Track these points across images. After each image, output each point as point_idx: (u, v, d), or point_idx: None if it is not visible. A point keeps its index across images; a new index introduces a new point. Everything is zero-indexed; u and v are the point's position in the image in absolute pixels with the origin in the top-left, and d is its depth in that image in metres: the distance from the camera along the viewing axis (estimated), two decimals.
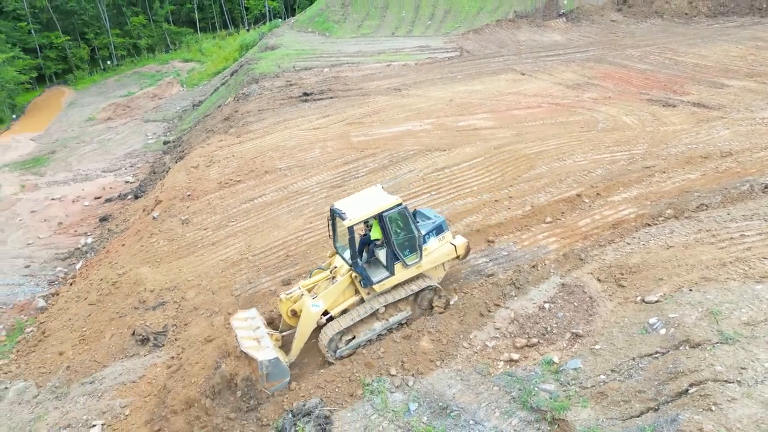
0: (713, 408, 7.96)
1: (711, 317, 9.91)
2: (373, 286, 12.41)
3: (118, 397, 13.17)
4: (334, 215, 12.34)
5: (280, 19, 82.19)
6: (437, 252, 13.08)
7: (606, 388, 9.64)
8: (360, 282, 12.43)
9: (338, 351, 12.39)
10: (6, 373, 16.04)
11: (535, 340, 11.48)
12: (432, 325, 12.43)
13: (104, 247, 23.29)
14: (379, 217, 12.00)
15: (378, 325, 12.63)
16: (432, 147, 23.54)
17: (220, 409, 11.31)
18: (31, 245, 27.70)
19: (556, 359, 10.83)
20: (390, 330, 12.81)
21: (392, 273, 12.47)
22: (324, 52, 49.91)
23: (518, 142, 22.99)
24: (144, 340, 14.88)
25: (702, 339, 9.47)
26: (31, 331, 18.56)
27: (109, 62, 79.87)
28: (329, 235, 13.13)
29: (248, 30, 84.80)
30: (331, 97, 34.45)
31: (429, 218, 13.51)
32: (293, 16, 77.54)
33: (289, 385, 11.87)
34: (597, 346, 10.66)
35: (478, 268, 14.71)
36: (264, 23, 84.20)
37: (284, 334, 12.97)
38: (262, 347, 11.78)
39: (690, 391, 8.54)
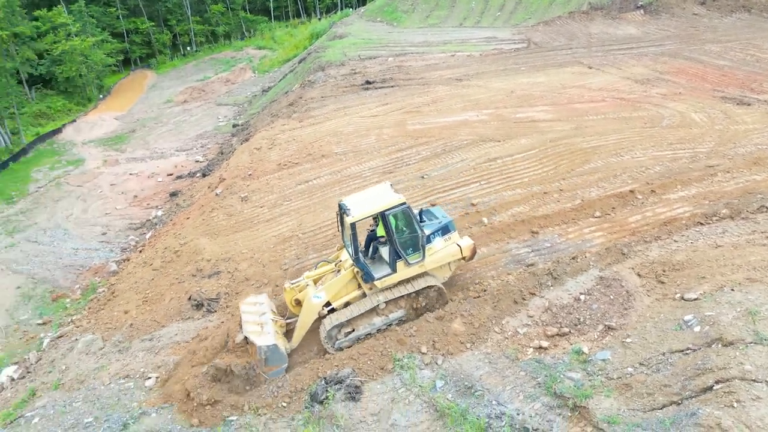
0: (735, 405, 7.84)
1: (748, 317, 9.63)
2: (375, 282, 12.65)
3: (172, 354, 14.32)
4: (342, 211, 12.59)
5: (350, 9, 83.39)
6: (442, 252, 13.05)
7: (632, 380, 9.61)
8: (362, 277, 12.73)
9: (337, 342, 12.75)
10: (78, 327, 17.74)
11: (566, 330, 11.52)
12: (465, 309, 12.70)
13: (171, 220, 24.96)
14: (381, 216, 12.22)
15: (378, 320, 12.87)
16: (487, 137, 23.52)
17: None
18: (109, 215, 30.03)
19: (585, 349, 10.85)
20: (389, 326, 13.01)
21: (394, 270, 12.65)
22: (390, 42, 50.36)
23: (576, 136, 22.57)
24: (198, 305, 16.01)
25: (736, 338, 9.25)
26: (102, 291, 20.32)
27: (188, 48, 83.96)
28: (338, 229, 13.56)
29: (320, 19, 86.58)
30: (392, 86, 34.90)
31: (436, 218, 13.52)
32: (364, 5, 78.39)
33: (287, 372, 12.34)
34: (628, 339, 10.59)
35: (519, 257, 14.78)
36: (335, 12, 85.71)
37: (289, 321, 13.55)
38: (264, 333, 12.34)
39: (715, 388, 8.42)
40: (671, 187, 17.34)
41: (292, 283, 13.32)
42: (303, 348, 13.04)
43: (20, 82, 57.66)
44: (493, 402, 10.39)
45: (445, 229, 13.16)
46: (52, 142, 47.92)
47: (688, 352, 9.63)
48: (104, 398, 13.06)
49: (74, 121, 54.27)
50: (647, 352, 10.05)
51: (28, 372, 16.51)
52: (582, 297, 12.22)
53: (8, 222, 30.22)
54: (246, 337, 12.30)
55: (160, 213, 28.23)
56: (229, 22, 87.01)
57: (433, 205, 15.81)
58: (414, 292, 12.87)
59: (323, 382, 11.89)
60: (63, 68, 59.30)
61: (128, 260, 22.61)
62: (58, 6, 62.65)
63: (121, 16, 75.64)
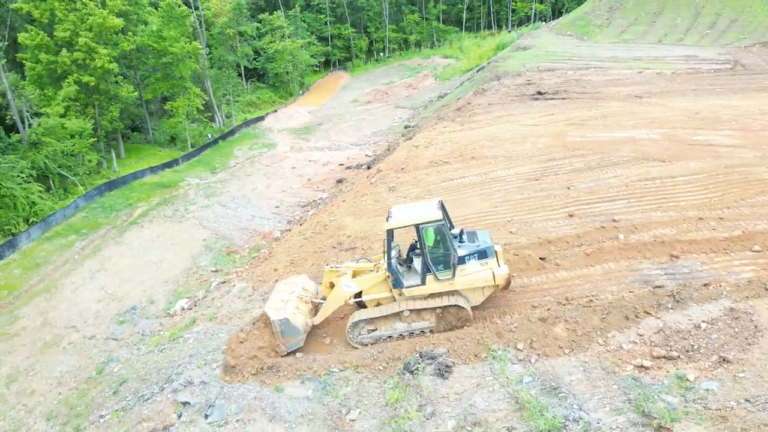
0: None
1: None
2: (403, 290, 13.06)
3: None
4: (388, 216, 13.15)
5: (542, 22, 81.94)
6: (475, 275, 13.02)
7: (730, 414, 8.76)
8: (392, 282, 13.14)
9: (359, 337, 13.43)
10: (238, 276, 20.85)
11: (675, 354, 10.72)
12: (571, 315, 12.44)
13: (331, 202, 27.65)
14: (416, 228, 12.65)
15: (400, 326, 13.33)
16: (651, 156, 21.99)
17: None
18: (285, 192, 34.16)
19: (690, 377, 10.04)
20: (411, 334, 13.36)
21: (423, 282, 13.01)
22: (574, 55, 48.74)
23: (759, 165, 20.03)
24: None
25: None
26: (264, 252, 23.46)
27: (381, 53, 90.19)
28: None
29: (509, 31, 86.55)
30: (563, 98, 34.02)
31: (476, 242, 13.46)
32: (560, 17, 76.54)
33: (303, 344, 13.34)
34: (741, 374, 9.57)
35: (649, 277, 13.89)
36: (527, 25, 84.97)
37: (318, 301, 14.51)
38: (282, 309, 13.40)
39: None
40: None
41: (333, 267, 14.33)
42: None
43: (240, 75, 67.75)
44: (575, 406, 10.20)
45: (482, 254, 13.08)
46: (255, 127, 55.44)
47: None
48: None
49: (275, 111, 62.05)
50: (758, 390, 9.03)
51: (195, 305, 19.96)
52: (703, 325, 11.20)
53: (208, 188, 36.03)
54: (265, 313, 13.70)
55: (324, 195, 31.35)
56: (422, 31, 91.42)
57: (481, 230, 15.13)
58: (439, 307, 13.14)
59: (418, 355, 12.67)
60: (274, 65, 68.12)
61: (289, 230, 25.68)
62: (278, 11, 71.82)
63: (328, 23, 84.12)
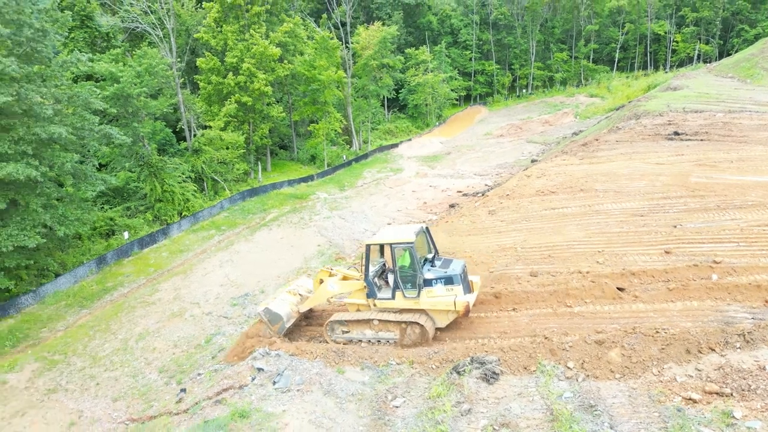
0: None
1: None
2: (375, 301, 14.88)
3: None
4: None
5: (704, 63, 76.08)
6: (439, 298, 14.36)
7: None
8: (366, 292, 15.01)
9: (334, 335, 15.56)
10: None
11: (728, 391, 10.07)
12: (629, 342, 12.13)
13: (435, 223, 28.71)
14: (390, 247, 14.54)
15: (369, 333, 15.12)
16: None
17: None
18: (399, 212, 35.91)
19: (737, 414, 9.44)
20: (378, 341, 15.04)
21: (393, 297, 14.81)
22: (729, 98, 44.85)
23: None
24: None
25: None
26: None
27: (524, 90, 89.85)
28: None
29: (666, 71, 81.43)
30: (701, 140, 31.73)
31: (446, 268, 14.67)
32: (722, 59, 70.59)
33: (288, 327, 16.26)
34: None
35: (732, 320, 12.94)
36: (688, 66, 79.38)
37: (306, 294, 17.21)
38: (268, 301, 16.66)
39: None
40: None
41: (327, 268, 16.66)
42: (469, 331, 14.55)
43: (383, 104, 72.08)
44: (606, 424, 10.10)
45: (448, 280, 14.32)
46: (387, 153, 58.57)
47: None
48: None
49: (409, 140, 64.90)
50: None
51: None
52: None
53: (333, 202, 39.07)
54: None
55: (434, 218, 32.45)
56: (568, 69, 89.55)
57: (459, 258, 16.59)
58: (402, 322, 14.59)
59: (470, 359, 13.19)
60: (414, 97, 71.43)
61: None
62: (423, 46, 75.46)
63: (473, 59, 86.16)
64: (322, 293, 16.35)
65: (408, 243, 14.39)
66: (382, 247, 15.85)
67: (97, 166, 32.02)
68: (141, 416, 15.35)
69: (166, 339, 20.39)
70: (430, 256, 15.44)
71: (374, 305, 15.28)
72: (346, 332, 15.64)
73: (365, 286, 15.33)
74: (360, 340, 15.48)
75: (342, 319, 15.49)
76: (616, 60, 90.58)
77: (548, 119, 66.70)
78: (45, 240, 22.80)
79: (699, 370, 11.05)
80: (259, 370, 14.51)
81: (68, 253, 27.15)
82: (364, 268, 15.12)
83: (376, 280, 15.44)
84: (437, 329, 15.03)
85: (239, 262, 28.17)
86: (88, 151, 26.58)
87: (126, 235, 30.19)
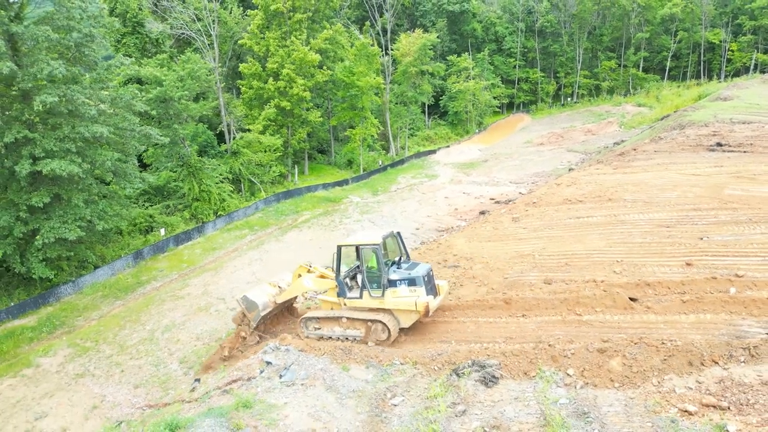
0: None
1: None
2: (345, 300, 15.56)
3: None
4: None
5: (761, 73, 72.81)
6: (401, 299, 15.02)
7: None
8: (337, 292, 15.71)
9: (307, 331, 16.31)
10: None
11: (725, 405, 9.78)
12: (631, 352, 11.92)
13: (462, 229, 28.68)
14: (357, 248, 15.20)
15: (338, 330, 15.80)
16: None
17: None
18: (429, 217, 36.01)
19: (731, 429, 9.16)
20: (347, 338, 15.59)
21: (360, 296, 15.45)
22: None
23: None
24: None
25: None
26: None
27: (569, 98, 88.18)
28: None
29: (720, 81, 78.29)
30: (744, 151, 30.53)
31: (410, 271, 15.24)
32: None
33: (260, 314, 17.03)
34: None
35: (744, 334, 12.49)
36: (743, 76, 76.15)
37: (285, 287, 17.84)
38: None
39: None
40: None
41: (306, 265, 17.17)
42: (475, 335, 14.56)
43: (423, 111, 72.30)
44: (596, 431, 9.99)
45: (411, 281, 14.96)
46: (424, 159, 58.74)
47: None
48: None
49: (448, 146, 64.85)
50: None
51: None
52: None
53: (366, 206, 39.55)
54: None
55: (464, 224, 32.40)
56: (616, 78, 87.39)
57: (425, 263, 16.73)
58: (368, 320, 15.24)
59: (471, 362, 13.24)
60: (455, 104, 71.33)
61: (417, 249, 27.31)
62: (465, 53, 75.29)
63: (517, 66, 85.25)
64: (298, 287, 17.28)
65: (374, 245, 15.20)
66: (357, 248, 16.23)
67: (141, 165, 33.60)
68: (157, 403, 16.10)
69: (190, 332, 21.21)
70: (397, 258, 16.23)
71: (344, 304, 16.07)
72: (318, 329, 16.45)
73: (336, 286, 16.14)
74: (330, 337, 16.17)
75: (314, 316, 16.39)
76: (668, 69, 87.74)
77: (591, 128, 65.29)
78: (85, 233, 24.12)
79: (699, 383, 10.77)
80: (268, 363, 14.97)
81: (108, 246, 28.60)
82: (335, 268, 15.86)
83: (347, 280, 16.26)
84: (401, 329, 15.67)
85: (268, 261, 28.94)
86: (130, 150, 27.96)
87: (162, 231, 31.54)
